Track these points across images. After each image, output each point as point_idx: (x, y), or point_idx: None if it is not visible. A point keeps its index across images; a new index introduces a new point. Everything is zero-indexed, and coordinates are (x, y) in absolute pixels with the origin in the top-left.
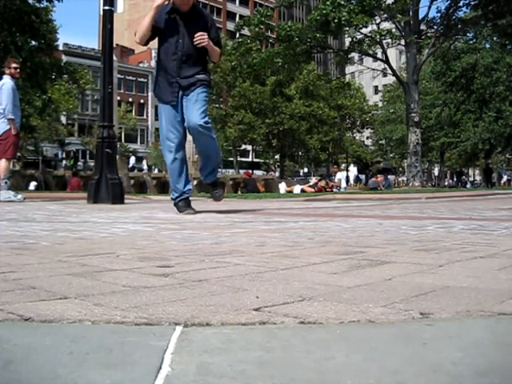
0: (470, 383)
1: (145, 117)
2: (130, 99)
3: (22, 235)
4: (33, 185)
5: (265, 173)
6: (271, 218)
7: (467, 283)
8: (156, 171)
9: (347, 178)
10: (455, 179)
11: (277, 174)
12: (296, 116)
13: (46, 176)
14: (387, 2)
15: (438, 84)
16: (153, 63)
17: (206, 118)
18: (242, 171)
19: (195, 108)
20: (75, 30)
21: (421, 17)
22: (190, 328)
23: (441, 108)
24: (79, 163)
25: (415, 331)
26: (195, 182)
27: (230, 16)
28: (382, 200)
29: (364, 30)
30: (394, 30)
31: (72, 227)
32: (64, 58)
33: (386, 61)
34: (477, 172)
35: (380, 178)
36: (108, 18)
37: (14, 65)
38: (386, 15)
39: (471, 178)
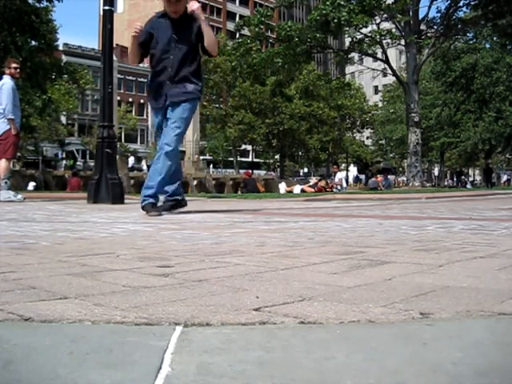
0: (470, 383)
1: (145, 117)
2: (130, 99)
3: (22, 235)
4: (31, 185)
5: (266, 172)
6: (271, 217)
7: (467, 283)
8: None
9: (346, 177)
10: (455, 179)
11: (275, 173)
12: (296, 116)
13: (46, 176)
14: (387, 2)
15: (438, 84)
16: None
17: (173, 146)
18: (242, 171)
19: (169, 132)
20: (75, 30)
21: (421, 17)
22: (190, 328)
23: (441, 108)
24: (78, 163)
25: (415, 331)
26: (195, 182)
27: (230, 16)
28: (382, 200)
29: (364, 30)
30: (393, 30)
31: (72, 227)
32: (64, 58)
33: (386, 61)
34: (477, 172)
35: (380, 178)
36: (108, 18)
37: (14, 65)
38: (386, 15)
39: (471, 178)
